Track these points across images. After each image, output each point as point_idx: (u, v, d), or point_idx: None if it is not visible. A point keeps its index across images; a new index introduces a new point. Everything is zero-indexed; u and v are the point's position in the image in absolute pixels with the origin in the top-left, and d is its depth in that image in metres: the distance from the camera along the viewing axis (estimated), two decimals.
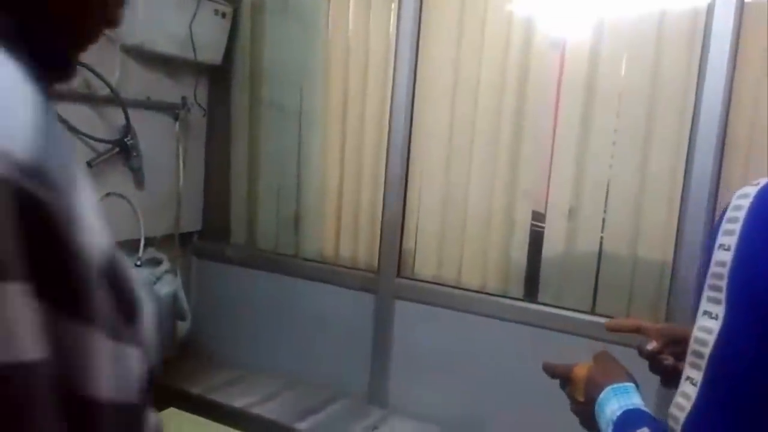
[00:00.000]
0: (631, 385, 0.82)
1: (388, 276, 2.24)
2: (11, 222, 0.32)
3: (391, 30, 2.20)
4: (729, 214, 0.65)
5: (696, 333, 0.63)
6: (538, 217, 2.09)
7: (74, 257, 0.35)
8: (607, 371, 0.85)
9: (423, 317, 2.19)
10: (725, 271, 0.61)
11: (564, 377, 0.92)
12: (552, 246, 2.04)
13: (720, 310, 0.61)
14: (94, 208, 0.39)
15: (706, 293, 0.64)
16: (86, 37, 0.50)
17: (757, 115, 1.72)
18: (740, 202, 0.64)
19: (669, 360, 0.91)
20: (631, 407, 0.79)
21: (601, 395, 0.82)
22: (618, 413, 0.78)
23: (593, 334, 1.93)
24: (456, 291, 2.16)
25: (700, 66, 1.76)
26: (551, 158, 2.02)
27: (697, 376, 0.62)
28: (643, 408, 0.78)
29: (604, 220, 1.97)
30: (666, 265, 1.87)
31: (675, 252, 1.83)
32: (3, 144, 0.33)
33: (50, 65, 0.45)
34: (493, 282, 2.14)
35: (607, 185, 1.96)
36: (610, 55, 1.92)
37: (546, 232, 2.05)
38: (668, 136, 1.85)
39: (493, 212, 2.11)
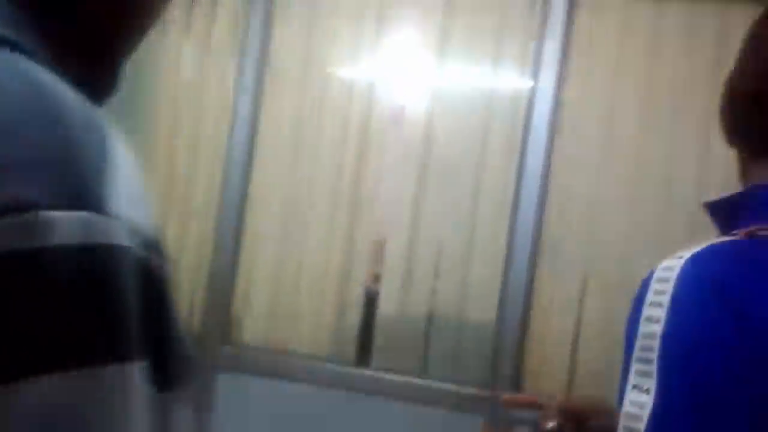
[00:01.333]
0: None
1: (212, 344, 2.06)
2: (137, 298, 0.30)
3: (230, 84, 2.15)
4: (654, 286, 0.63)
5: (627, 408, 0.60)
6: (373, 280, 2.08)
7: (175, 331, 0.35)
8: None
9: (251, 390, 2.02)
10: (655, 343, 0.59)
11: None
12: (386, 309, 2.03)
13: (651, 384, 0.58)
14: None
15: (635, 366, 0.61)
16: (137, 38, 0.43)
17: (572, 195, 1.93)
18: (665, 274, 0.62)
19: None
20: None
21: None
22: None
23: (425, 399, 1.92)
24: (286, 358, 2.04)
25: (522, 138, 1.94)
26: (388, 221, 2.06)
27: None
28: None
29: (435, 283, 2.02)
30: (490, 324, 1.94)
31: (498, 314, 1.91)
32: (129, 215, 0.31)
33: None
34: (325, 348, 2.06)
35: (439, 249, 2.03)
36: (444, 125, 2.04)
37: (381, 295, 2.04)
38: (494, 202, 1.99)
39: (329, 274, 2.06)
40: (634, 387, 0.60)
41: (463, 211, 2.01)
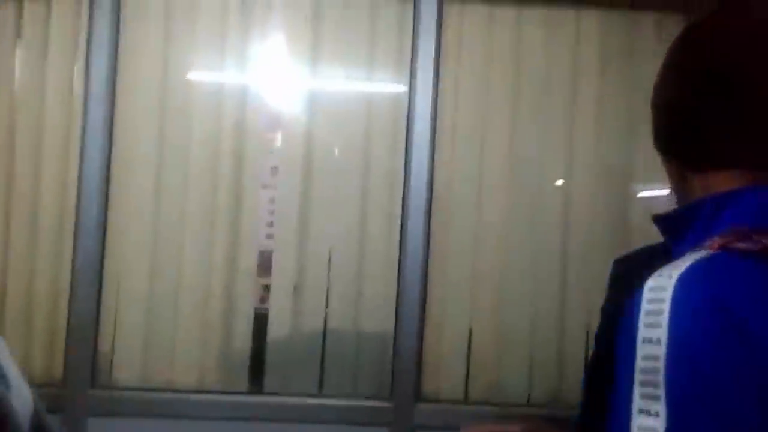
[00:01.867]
0: None
1: (79, 388, 1.82)
2: None
3: (76, 90, 1.89)
4: (646, 307, 0.62)
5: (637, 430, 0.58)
6: (262, 298, 1.95)
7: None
8: None
9: None
10: (659, 365, 0.58)
11: None
12: (277, 328, 1.91)
13: (660, 408, 0.57)
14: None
15: (639, 390, 0.59)
16: None
17: (453, 187, 1.92)
18: (657, 295, 0.62)
19: None
20: None
21: None
22: None
23: (323, 418, 1.85)
24: (167, 395, 1.86)
25: (406, 149, 1.90)
26: (273, 236, 1.94)
27: None
28: None
29: (327, 296, 1.94)
30: (388, 334, 1.89)
31: (396, 324, 1.87)
32: None
33: None
34: (213, 377, 1.90)
35: (329, 260, 1.94)
36: (323, 136, 1.95)
37: (270, 313, 1.92)
38: (382, 209, 1.93)
39: (210, 298, 1.90)
40: (641, 411, 0.59)
41: (352, 218, 1.94)
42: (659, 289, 0.61)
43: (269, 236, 2.05)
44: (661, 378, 0.58)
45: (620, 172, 1.98)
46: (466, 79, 1.95)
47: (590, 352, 1.68)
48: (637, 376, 0.60)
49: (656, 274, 0.64)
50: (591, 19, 1.96)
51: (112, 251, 1.88)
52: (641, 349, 0.60)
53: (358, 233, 1.94)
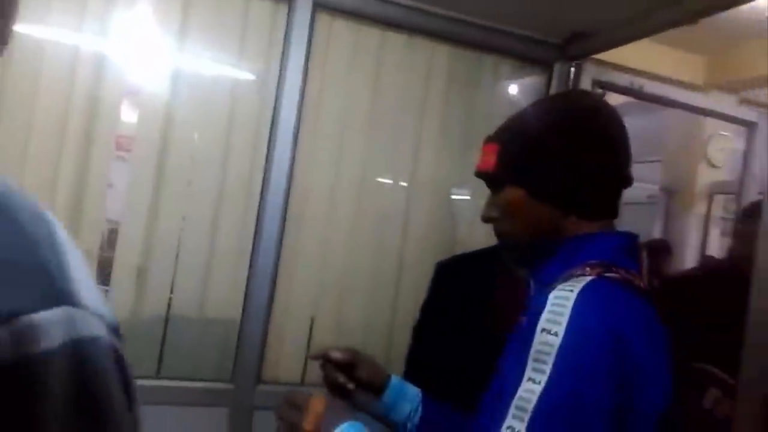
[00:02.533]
0: (361, 423, 0.97)
1: None
2: (117, 383, 0.34)
3: None
4: (551, 308, 0.84)
5: (521, 394, 0.81)
6: (103, 279, 1.89)
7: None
8: (340, 411, 1.01)
9: None
10: (552, 350, 0.81)
11: (294, 403, 1.01)
12: (118, 310, 1.87)
13: (543, 378, 0.80)
14: None
15: (532, 364, 0.82)
16: None
17: (311, 186, 2.04)
18: (560, 302, 0.84)
19: (341, 378, 1.13)
20: None
21: (338, 430, 0.94)
22: None
23: (159, 399, 1.86)
24: None
25: (269, 139, 1.96)
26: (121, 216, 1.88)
27: (519, 425, 0.79)
28: None
29: (173, 282, 1.94)
30: (233, 323, 1.96)
31: (243, 309, 1.94)
32: (93, 302, 0.33)
33: None
34: None
35: (178, 246, 1.94)
36: (184, 116, 1.93)
37: (112, 295, 1.87)
38: (238, 196, 1.97)
39: None
40: (529, 379, 0.81)
41: (206, 203, 1.96)
42: (563, 298, 0.84)
43: (114, 214, 1.98)
44: (551, 359, 0.81)
45: (455, 185, 2.26)
46: (331, 86, 2.07)
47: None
48: (532, 355, 0.82)
49: (559, 287, 0.87)
50: (443, 53, 2.19)
51: None
52: (540, 337, 0.82)
53: (210, 220, 1.96)
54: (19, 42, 1.76)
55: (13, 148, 1.76)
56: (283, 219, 1.96)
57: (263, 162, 1.96)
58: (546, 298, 0.86)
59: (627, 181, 1.01)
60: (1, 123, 1.75)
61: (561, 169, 0.97)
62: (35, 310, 0.29)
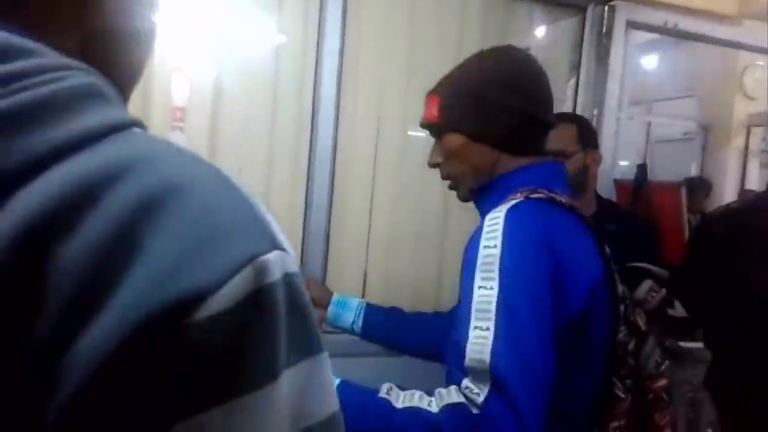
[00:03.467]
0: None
1: None
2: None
3: None
4: (486, 229, 1.01)
5: (478, 299, 0.95)
6: None
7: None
8: None
9: None
10: (495, 260, 0.96)
11: None
12: None
13: (494, 284, 0.95)
14: None
15: (480, 275, 0.97)
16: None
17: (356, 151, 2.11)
18: (493, 222, 1.00)
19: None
20: (341, 379, 1.05)
21: None
22: (335, 382, 1.03)
23: None
24: None
25: (314, 92, 2.02)
26: None
27: (487, 324, 0.92)
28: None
29: None
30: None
31: (301, 269, 2.03)
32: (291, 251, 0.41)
33: None
34: None
35: None
36: (231, 87, 2.00)
37: None
38: (287, 158, 2.05)
39: None
40: (481, 287, 0.95)
41: (258, 165, 2.04)
42: (496, 218, 1.01)
43: None
44: (495, 267, 0.96)
45: None
46: (368, 41, 2.11)
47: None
48: (479, 267, 0.97)
49: (492, 211, 1.04)
50: (476, 0, 2.21)
51: None
52: (482, 252, 0.98)
53: (264, 181, 2.06)
54: None
55: None
56: (332, 178, 2.04)
57: (309, 124, 2.03)
58: (483, 221, 1.03)
59: (549, 124, 1.18)
60: None
61: (493, 113, 1.13)
62: (266, 252, 0.38)
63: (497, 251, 0.96)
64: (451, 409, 0.91)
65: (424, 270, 2.23)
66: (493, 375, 0.89)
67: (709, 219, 2.08)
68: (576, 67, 2.31)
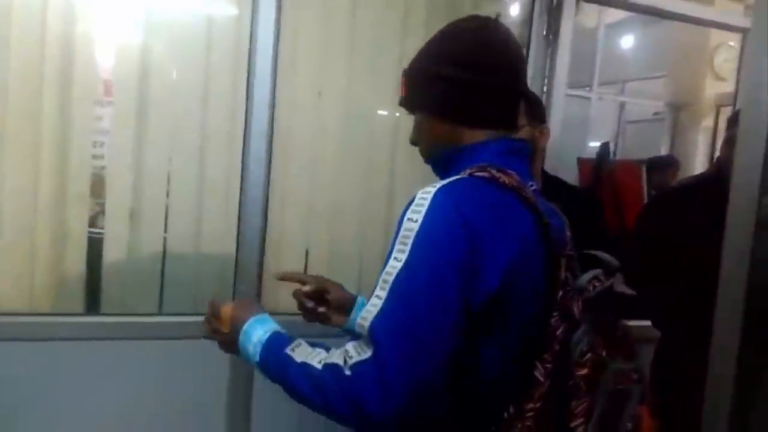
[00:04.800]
0: (266, 315, 1.12)
1: None
2: None
3: None
4: (415, 202, 1.00)
5: (387, 269, 0.96)
6: (94, 222, 1.93)
7: None
8: (247, 307, 1.14)
9: None
10: (412, 234, 0.96)
11: (213, 312, 1.19)
12: (113, 252, 1.92)
13: (404, 256, 0.96)
14: None
15: (397, 246, 0.97)
16: None
17: (295, 121, 2.04)
18: (423, 196, 1.00)
19: (311, 304, 1.33)
20: (276, 329, 1.08)
21: (245, 325, 1.09)
22: (266, 336, 1.06)
23: (162, 334, 1.93)
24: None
25: (248, 71, 1.93)
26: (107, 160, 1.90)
27: (383, 293, 0.94)
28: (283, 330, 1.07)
29: (166, 220, 1.97)
30: (228, 256, 2.00)
31: (237, 242, 1.98)
32: None
33: None
34: (44, 301, 1.87)
35: (167, 186, 1.97)
36: (160, 56, 1.92)
37: (105, 237, 1.91)
38: (222, 134, 1.98)
39: (38, 224, 1.83)
40: (394, 258, 0.97)
41: (191, 141, 1.97)
42: (426, 194, 1.00)
43: (100, 157, 2.00)
44: (410, 241, 0.96)
45: None
46: (307, 18, 2.04)
47: None
48: (398, 240, 0.98)
49: (428, 186, 1.02)
50: None
51: None
52: (405, 225, 0.98)
53: (197, 159, 1.98)
54: None
55: None
56: (269, 151, 1.96)
57: (244, 96, 1.95)
58: (415, 194, 1.02)
59: (513, 94, 1.15)
60: None
61: (447, 88, 1.12)
62: None
63: (416, 226, 0.97)
64: (328, 367, 0.94)
65: (369, 247, 2.18)
66: (370, 340, 0.92)
67: (653, 200, 2.07)
68: (526, 43, 2.25)
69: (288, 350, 1.01)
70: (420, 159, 2.18)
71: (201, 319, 1.94)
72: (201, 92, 1.96)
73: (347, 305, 1.35)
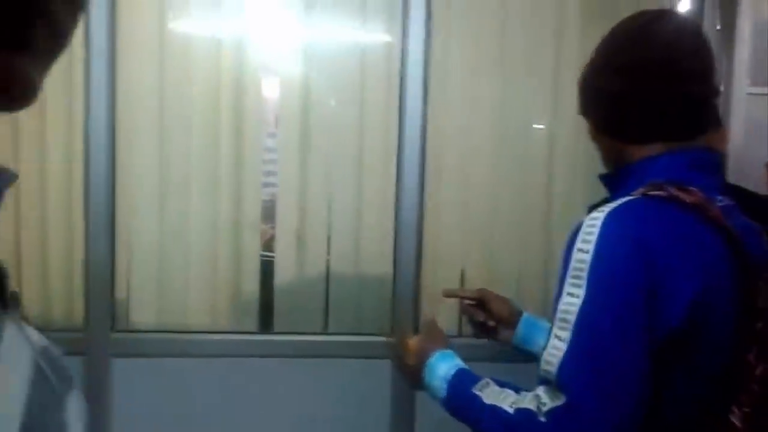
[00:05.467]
0: (452, 351, 1.10)
1: (100, 332, 1.94)
2: None
3: (75, 48, 1.91)
4: (584, 230, 0.93)
5: (563, 306, 0.91)
6: (268, 246, 2.08)
7: None
8: (435, 341, 1.14)
9: (146, 372, 1.95)
10: (585, 266, 0.90)
11: (400, 345, 1.20)
12: (283, 274, 2.05)
13: (581, 292, 0.90)
14: None
15: (570, 281, 0.91)
16: None
17: (448, 141, 2.04)
18: (592, 223, 0.92)
19: (481, 316, 1.32)
20: (461, 366, 1.07)
21: (431, 359, 1.09)
22: (452, 372, 1.05)
23: (329, 352, 2.01)
24: (182, 336, 2.00)
25: (400, 97, 1.98)
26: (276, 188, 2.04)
27: (565, 334, 0.89)
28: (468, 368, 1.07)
29: (329, 243, 2.07)
30: (386, 276, 2.04)
31: (394, 264, 2.02)
32: None
33: None
34: (224, 320, 2.04)
35: (329, 209, 2.06)
36: (319, 86, 2.03)
37: (276, 260, 2.05)
38: (377, 160, 2.04)
39: (219, 248, 2.02)
40: (568, 294, 0.91)
41: (349, 167, 2.05)
42: (595, 219, 0.93)
43: (271, 185, 2.15)
44: (585, 274, 0.89)
45: None
46: (456, 33, 2.04)
47: None
48: (570, 272, 0.91)
49: (596, 210, 0.95)
50: None
51: (121, 206, 1.96)
52: (575, 256, 0.92)
53: (354, 183, 2.05)
54: (169, 38, 1.95)
55: (177, 135, 1.97)
56: (422, 171, 1.98)
57: (397, 122, 1.99)
58: (584, 219, 0.95)
59: (692, 96, 1.00)
60: (165, 112, 1.97)
61: (605, 101, 1.04)
62: None
63: (589, 257, 0.90)
64: (521, 412, 0.92)
65: (528, 265, 2.11)
66: (560, 387, 0.89)
67: None
68: None
69: (476, 390, 1.00)
70: (577, 180, 2.09)
71: (363, 339, 2.03)
72: (357, 120, 2.04)
73: (513, 318, 1.31)
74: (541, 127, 2.14)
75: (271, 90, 2.10)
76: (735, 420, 0.96)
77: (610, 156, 1.08)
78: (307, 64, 2.03)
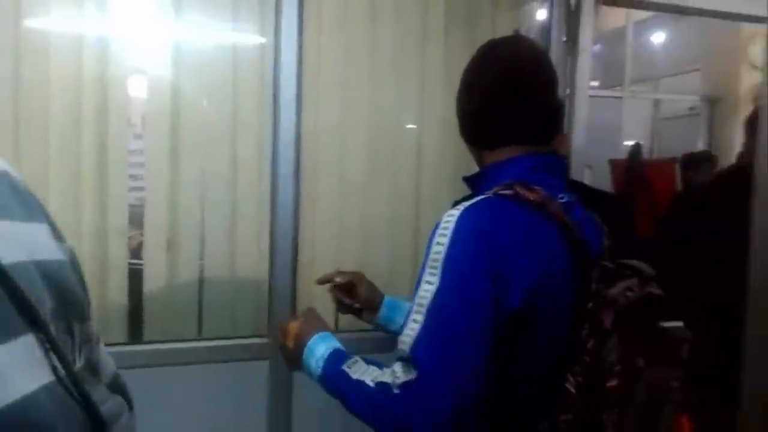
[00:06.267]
0: (330, 333, 1.21)
1: None
2: None
3: None
4: (442, 226, 1.06)
5: (420, 293, 1.04)
6: (136, 254, 2.00)
7: None
8: (313, 325, 1.24)
9: None
10: (440, 257, 1.03)
11: (281, 329, 1.29)
12: (152, 281, 1.98)
13: (436, 280, 1.02)
14: None
15: (428, 270, 1.04)
16: None
17: (322, 141, 2.08)
18: (449, 219, 1.05)
19: (347, 300, 1.52)
20: (337, 347, 1.17)
21: (310, 342, 1.18)
22: (328, 351, 1.14)
23: (202, 358, 1.98)
24: None
25: (273, 96, 1.98)
26: (143, 189, 1.97)
27: (420, 317, 1.01)
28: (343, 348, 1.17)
29: (202, 247, 2.03)
30: (262, 277, 2.04)
31: (270, 265, 2.02)
32: None
33: None
34: None
35: (202, 214, 2.02)
36: (189, 85, 1.99)
37: (145, 267, 1.98)
38: (251, 161, 2.03)
39: (82, 257, 1.90)
40: (426, 282, 1.03)
41: (222, 167, 2.02)
42: (451, 216, 1.07)
43: (138, 189, 2.08)
44: (439, 264, 1.02)
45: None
46: (328, 35, 2.08)
47: None
48: (428, 263, 1.05)
49: (454, 208, 1.09)
50: None
51: None
52: (433, 248, 1.05)
53: (228, 187, 2.03)
54: (26, 36, 1.83)
55: (34, 136, 1.85)
56: (297, 171, 2.00)
57: (271, 120, 2.00)
58: (443, 216, 1.09)
59: (538, 108, 1.19)
60: (21, 112, 1.84)
61: (465, 118, 1.24)
62: None
63: (443, 249, 1.03)
64: (379, 385, 1.02)
65: (400, 263, 2.19)
66: (413, 362, 0.99)
67: (676, 203, 2.06)
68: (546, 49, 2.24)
69: (345, 367, 1.09)
70: (445, 178, 2.20)
71: (238, 342, 2.02)
72: (230, 120, 2.02)
73: (376, 301, 1.52)
74: (412, 126, 2.23)
75: (138, 90, 2.03)
76: (570, 387, 1.09)
77: (477, 161, 1.26)
78: (177, 63, 1.98)
